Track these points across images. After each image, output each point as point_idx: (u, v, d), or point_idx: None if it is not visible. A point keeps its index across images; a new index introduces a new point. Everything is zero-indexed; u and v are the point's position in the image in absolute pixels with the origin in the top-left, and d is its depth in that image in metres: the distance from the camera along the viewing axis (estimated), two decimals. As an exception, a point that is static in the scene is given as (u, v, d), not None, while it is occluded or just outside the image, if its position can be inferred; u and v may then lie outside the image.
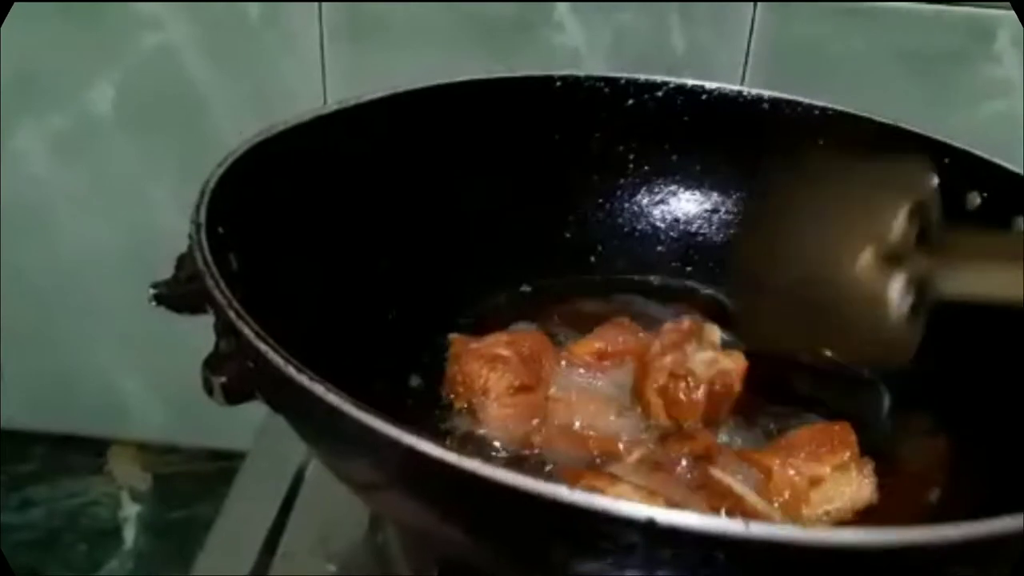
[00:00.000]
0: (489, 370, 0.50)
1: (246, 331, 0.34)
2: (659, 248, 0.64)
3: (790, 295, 0.52)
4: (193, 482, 0.94)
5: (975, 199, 0.53)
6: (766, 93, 0.60)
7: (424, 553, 0.49)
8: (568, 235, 0.63)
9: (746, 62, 0.70)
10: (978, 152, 0.53)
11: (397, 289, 0.54)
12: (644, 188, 0.63)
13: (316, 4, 0.72)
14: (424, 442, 0.29)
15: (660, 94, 0.62)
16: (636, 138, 0.63)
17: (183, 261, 0.43)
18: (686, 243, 0.64)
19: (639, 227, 0.64)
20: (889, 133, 0.57)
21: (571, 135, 0.62)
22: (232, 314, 0.35)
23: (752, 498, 0.44)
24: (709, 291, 0.63)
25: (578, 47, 0.71)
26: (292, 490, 0.58)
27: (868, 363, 0.52)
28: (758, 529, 0.26)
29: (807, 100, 0.59)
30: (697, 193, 0.63)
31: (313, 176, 0.50)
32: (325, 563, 0.52)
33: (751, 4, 0.68)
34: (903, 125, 0.56)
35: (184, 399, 0.93)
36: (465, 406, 0.50)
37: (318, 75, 0.75)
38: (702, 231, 0.63)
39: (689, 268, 0.63)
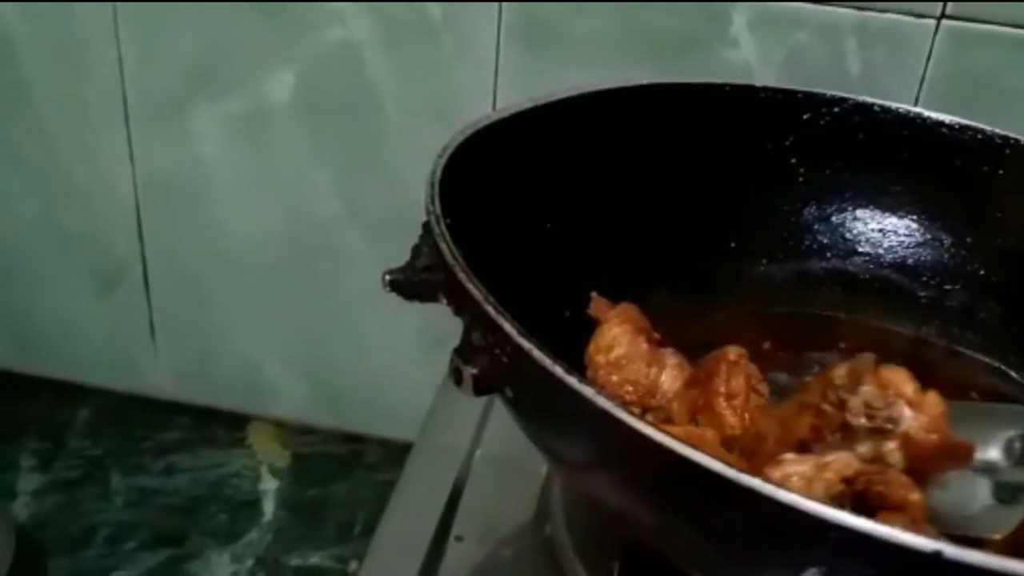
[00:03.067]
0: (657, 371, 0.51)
1: (507, 327, 0.36)
2: (822, 264, 0.64)
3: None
4: (328, 462, 0.98)
5: None
6: (946, 118, 0.61)
7: (603, 548, 0.50)
8: (733, 245, 0.63)
9: (920, 89, 0.70)
10: None
11: (571, 285, 0.55)
12: (813, 203, 0.64)
13: (496, 7, 0.75)
14: (695, 451, 0.30)
15: (837, 110, 0.63)
16: (808, 152, 0.63)
17: (419, 250, 0.45)
18: (850, 262, 0.64)
19: (805, 242, 0.64)
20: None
21: (744, 145, 0.63)
22: (491, 309, 0.36)
23: None
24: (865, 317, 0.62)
25: (750, 63, 0.72)
26: (459, 479, 0.60)
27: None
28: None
29: (990, 128, 0.59)
30: (866, 212, 0.64)
31: (510, 168, 0.53)
32: (498, 549, 0.54)
33: (931, 32, 0.69)
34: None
35: (323, 382, 0.97)
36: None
37: (490, 79, 0.78)
38: (868, 252, 0.64)
39: (852, 289, 0.63)
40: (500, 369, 0.37)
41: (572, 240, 0.57)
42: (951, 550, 0.27)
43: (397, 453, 0.94)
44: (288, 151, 0.86)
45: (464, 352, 0.38)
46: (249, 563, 0.88)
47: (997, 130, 0.59)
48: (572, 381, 0.33)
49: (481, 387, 0.38)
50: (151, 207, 0.92)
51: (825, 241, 0.64)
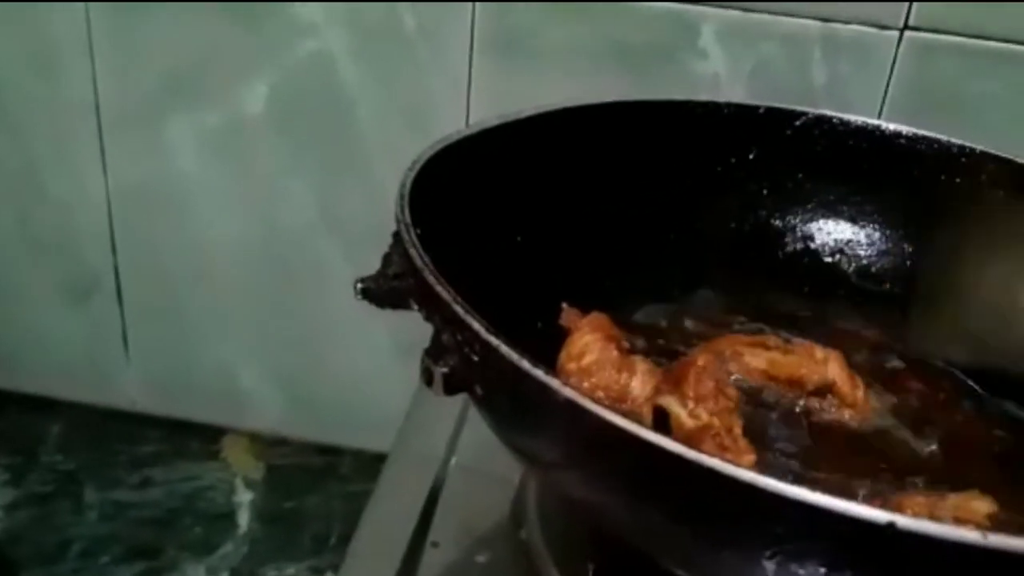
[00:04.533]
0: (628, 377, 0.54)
1: (475, 325, 0.39)
2: (787, 274, 0.68)
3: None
4: (303, 474, 1.02)
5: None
6: (904, 128, 0.65)
7: (578, 550, 0.54)
8: (699, 256, 0.67)
9: (884, 98, 0.75)
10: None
11: (542, 297, 0.58)
12: (777, 214, 0.68)
13: (469, 20, 0.79)
14: (657, 436, 0.33)
15: (797, 124, 0.67)
16: (771, 165, 0.67)
17: (389, 258, 0.48)
18: (815, 272, 0.68)
19: (769, 253, 0.68)
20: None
21: (707, 160, 0.67)
22: (459, 309, 0.40)
23: None
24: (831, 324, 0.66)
25: (719, 74, 0.77)
26: (435, 486, 0.64)
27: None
28: (996, 540, 0.30)
29: (946, 138, 0.63)
30: (829, 223, 0.68)
31: (479, 182, 0.56)
32: (474, 554, 0.58)
33: (895, 42, 0.73)
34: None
35: (297, 394, 1.01)
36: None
37: (463, 88, 0.82)
38: (832, 261, 0.68)
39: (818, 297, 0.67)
40: (469, 367, 0.40)
41: (542, 252, 0.60)
42: (903, 520, 0.30)
43: (371, 464, 0.98)
44: (263, 161, 0.90)
45: (434, 352, 0.41)
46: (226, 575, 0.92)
47: (953, 139, 0.63)
48: (538, 373, 0.36)
49: (451, 386, 0.41)
50: (125, 217, 0.96)
51: (789, 251, 0.68)
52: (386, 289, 0.47)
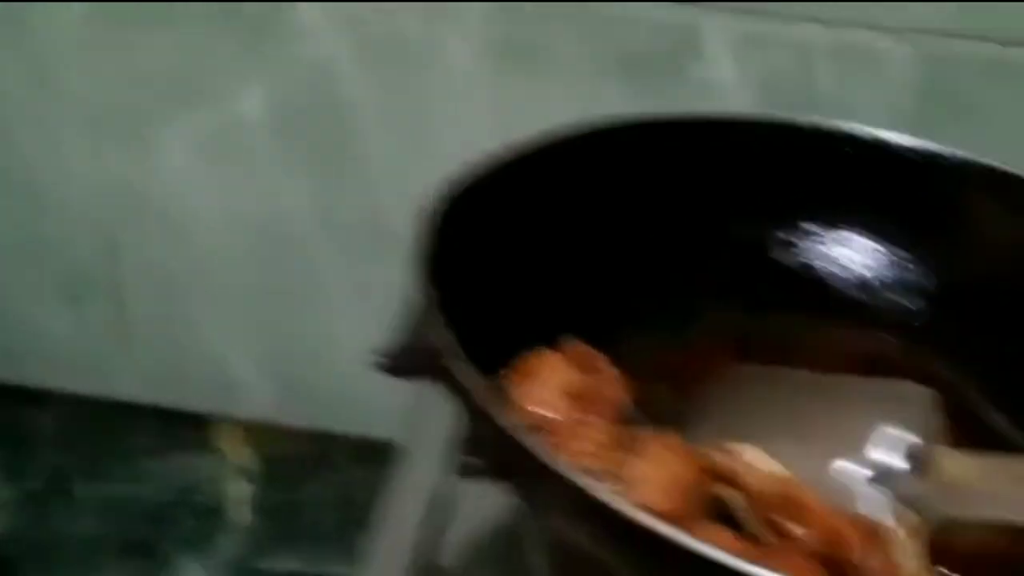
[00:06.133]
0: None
1: (506, 425, 0.38)
2: (788, 290, 0.69)
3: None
4: (298, 464, 1.04)
5: None
6: (910, 141, 0.66)
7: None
8: (709, 278, 0.68)
9: (891, 109, 0.77)
10: None
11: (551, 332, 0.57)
12: (794, 232, 0.68)
13: (471, 29, 0.81)
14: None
15: (808, 136, 0.67)
16: (777, 180, 0.68)
17: (407, 329, 0.46)
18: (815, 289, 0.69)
19: (772, 268, 0.69)
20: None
21: (718, 176, 0.67)
22: (491, 408, 0.39)
23: None
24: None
25: (726, 84, 0.78)
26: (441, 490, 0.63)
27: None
28: None
29: (957, 152, 0.65)
30: (837, 234, 0.69)
31: (490, 226, 0.57)
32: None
33: (904, 48, 0.75)
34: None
35: (292, 382, 1.03)
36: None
37: (466, 95, 0.84)
38: (836, 274, 0.69)
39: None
40: (509, 462, 0.39)
41: (551, 282, 0.60)
42: None
43: (366, 451, 1.01)
44: (259, 167, 0.91)
45: (468, 447, 0.42)
46: (222, 570, 0.94)
47: (957, 152, 0.65)
48: (579, 481, 0.35)
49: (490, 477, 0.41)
50: (120, 216, 0.98)
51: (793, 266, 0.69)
52: (406, 364, 0.46)
